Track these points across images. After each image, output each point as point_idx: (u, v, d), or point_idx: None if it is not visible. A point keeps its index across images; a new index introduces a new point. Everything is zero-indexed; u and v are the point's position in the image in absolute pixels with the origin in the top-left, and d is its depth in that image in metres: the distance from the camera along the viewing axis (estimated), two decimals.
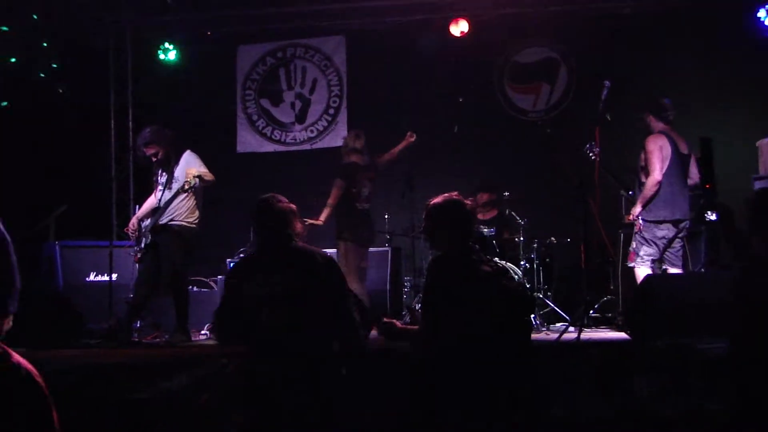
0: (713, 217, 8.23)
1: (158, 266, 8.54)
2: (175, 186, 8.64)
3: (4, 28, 10.69)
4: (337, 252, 9.36)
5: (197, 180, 8.41)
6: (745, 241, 8.28)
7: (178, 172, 8.72)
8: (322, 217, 9.34)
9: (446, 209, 5.34)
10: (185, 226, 8.68)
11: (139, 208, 9.20)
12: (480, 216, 11.25)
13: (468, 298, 4.98)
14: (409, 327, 5.71)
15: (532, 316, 9.74)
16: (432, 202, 5.36)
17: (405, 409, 5.08)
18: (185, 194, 8.59)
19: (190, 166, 8.65)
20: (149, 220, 8.72)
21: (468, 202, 5.39)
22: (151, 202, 8.90)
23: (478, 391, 4.82)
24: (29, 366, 2.77)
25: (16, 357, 2.76)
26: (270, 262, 5.63)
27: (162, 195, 8.66)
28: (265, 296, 5.44)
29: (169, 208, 8.60)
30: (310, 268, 5.56)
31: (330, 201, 9.28)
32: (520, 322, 5.24)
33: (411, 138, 9.63)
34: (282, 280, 5.47)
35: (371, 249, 9.99)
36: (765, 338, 4.70)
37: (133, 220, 8.95)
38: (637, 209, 8.45)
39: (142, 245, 8.64)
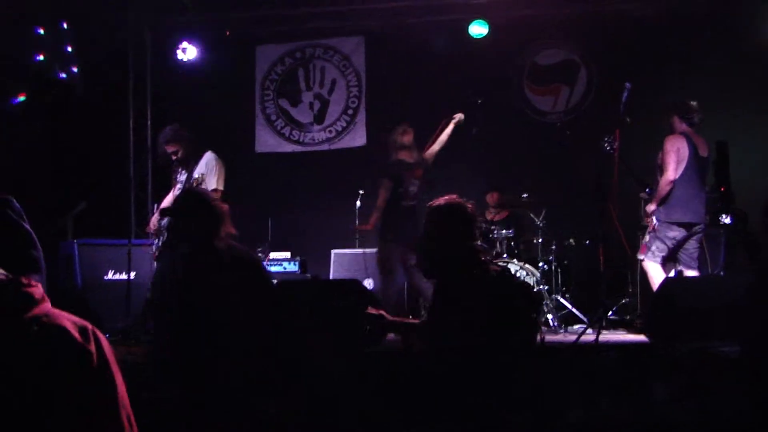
0: (727, 220, 8.23)
1: None
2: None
3: (41, 32, 10.72)
4: (377, 251, 9.38)
5: (202, 182, 8.47)
6: (759, 244, 8.25)
7: (198, 171, 8.75)
8: (372, 221, 9.32)
9: (448, 212, 5.32)
10: None
11: (158, 207, 9.22)
12: (490, 217, 11.26)
13: (474, 299, 4.97)
14: (398, 319, 5.70)
15: (550, 317, 9.73)
16: (433, 204, 5.34)
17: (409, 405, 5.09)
18: None
19: (205, 169, 8.71)
20: (168, 218, 8.73)
21: (469, 205, 5.34)
22: (169, 200, 8.94)
23: (479, 388, 4.80)
24: (70, 323, 2.28)
25: (49, 310, 2.28)
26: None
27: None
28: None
29: None
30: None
31: (378, 203, 9.16)
32: (525, 321, 5.25)
33: (456, 118, 9.47)
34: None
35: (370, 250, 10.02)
36: None
37: (153, 219, 8.99)
38: (652, 207, 8.49)
39: (160, 243, 8.69)
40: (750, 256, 9.00)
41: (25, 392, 2.15)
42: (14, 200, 4.29)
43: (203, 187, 8.42)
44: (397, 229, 9.03)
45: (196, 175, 8.71)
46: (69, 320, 2.26)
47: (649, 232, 8.55)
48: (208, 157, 8.80)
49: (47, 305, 2.24)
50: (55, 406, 2.18)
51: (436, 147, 9.38)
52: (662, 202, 8.41)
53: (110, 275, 10.06)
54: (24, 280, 2.22)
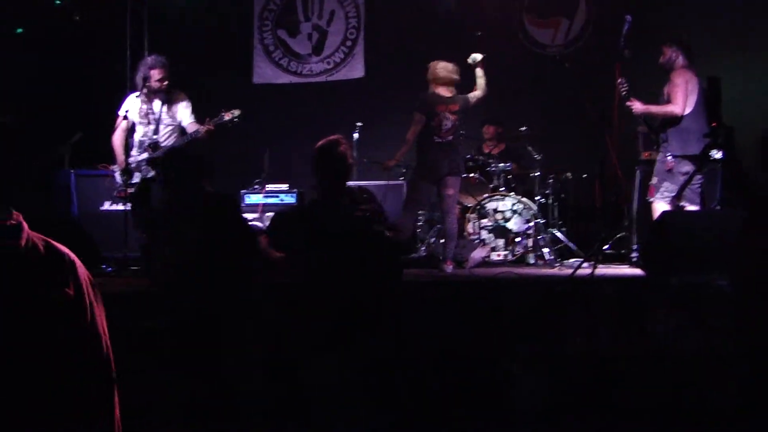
0: (719, 155, 8.19)
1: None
2: (168, 121, 8.73)
3: None
4: (408, 185, 9.57)
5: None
6: (752, 180, 8.26)
7: (180, 111, 8.74)
8: (398, 155, 9.23)
9: (322, 152, 5.64)
10: None
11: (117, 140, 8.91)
12: (487, 150, 11.26)
13: (336, 241, 5.31)
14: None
15: (546, 251, 9.77)
16: (316, 146, 5.67)
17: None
18: (181, 136, 8.74)
19: (189, 112, 8.77)
20: (142, 153, 8.68)
21: (344, 143, 5.74)
22: (146, 132, 8.76)
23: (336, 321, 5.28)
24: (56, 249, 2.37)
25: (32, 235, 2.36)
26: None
27: (158, 128, 8.70)
28: None
29: (169, 142, 8.64)
30: None
31: (408, 136, 8.98)
32: (387, 264, 5.57)
33: (480, 59, 9.15)
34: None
35: (388, 182, 10.02)
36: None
37: (121, 159, 8.77)
38: (640, 106, 8.40)
39: (136, 180, 8.62)
40: (743, 193, 9.00)
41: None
42: None
43: (206, 128, 8.43)
44: (429, 166, 8.96)
45: (176, 113, 8.74)
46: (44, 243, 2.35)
47: (657, 172, 8.49)
48: (185, 97, 8.82)
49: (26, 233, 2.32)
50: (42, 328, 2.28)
51: (478, 92, 9.10)
52: (676, 136, 8.35)
53: (107, 206, 10.05)
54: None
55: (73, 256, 2.37)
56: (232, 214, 6.35)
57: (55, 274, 2.29)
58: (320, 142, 5.86)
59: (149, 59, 8.84)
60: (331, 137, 5.93)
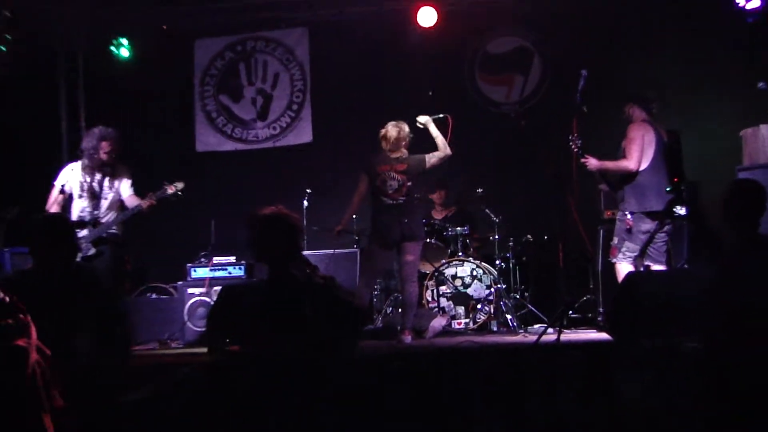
0: (682, 211, 8.22)
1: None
2: (111, 196, 8.68)
3: None
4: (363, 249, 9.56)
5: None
6: (718, 237, 8.32)
7: (123, 185, 8.71)
8: (345, 218, 9.29)
9: (273, 221, 5.64)
10: (120, 236, 8.71)
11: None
12: (438, 216, 11.29)
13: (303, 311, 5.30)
14: None
15: (509, 317, 9.76)
16: (256, 213, 5.64)
17: None
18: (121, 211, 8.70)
19: (129, 185, 8.75)
20: (87, 231, 8.58)
21: (295, 214, 5.78)
22: (84, 206, 8.68)
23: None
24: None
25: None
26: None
27: (99, 203, 8.64)
28: None
29: (109, 218, 8.59)
30: None
31: (353, 199, 9.09)
32: (348, 332, 5.61)
33: (424, 120, 9.13)
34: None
35: (339, 251, 10.00)
36: (738, 340, 4.72)
37: None
38: (595, 162, 8.42)
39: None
40: (710, 250, 9.04)
41: None
42: None
43: (148, 202, 8.41)
44: (381, 228, 8.93)
45: (118, 187, 8.70)
46: None
47: (617, 232, 8.50)
48: (128, 171, 8.81)
49: None
50: None
51: (437, 153, 9.01)
52: (633, 192, 8.35)
53: None
54: None
55: None
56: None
57: None
58: (264, 211, 5.82)
59: (99, 130, 8.70)
60: (272, 207, 5.91)
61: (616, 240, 8.44)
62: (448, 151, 9.00)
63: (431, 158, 8.98)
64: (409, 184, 8.89)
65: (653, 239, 8.27)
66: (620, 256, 8.32)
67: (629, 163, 8.23)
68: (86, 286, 5.68)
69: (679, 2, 11.26)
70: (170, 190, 8.51)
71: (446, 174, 10.96)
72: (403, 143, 8.95)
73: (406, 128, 8.97)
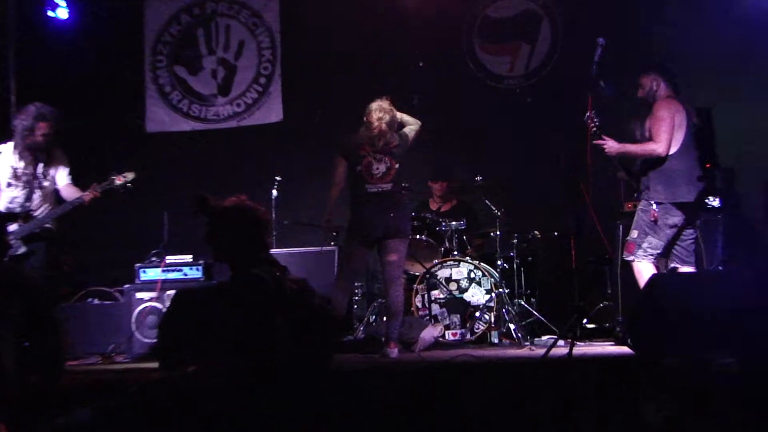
0: (716, 203, 8.20)
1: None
2: (45, 184, 8.65)
3: None
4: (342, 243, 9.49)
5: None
6: (758, 233, 8.29)
7: (59, 173, 8.67)
8: (329, 205, 9.12)
9: (235, 215, 5.64)
10: (55, 232, 8.70)
11: None
12: (434, 206, 11.27)
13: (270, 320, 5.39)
14: None
15: (512, 327, 9.74)
16: (217, 205, 5.64)
17: None
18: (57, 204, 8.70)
19: (66, 173, 8.73)
20: (17, 226, 8.48)
21: (261, 207, 5.79)
22: (5, 197, 8.65)
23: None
24: None
25: None
26: None
27: (31, 193, 8.60)
28: None
29: (43, 211, 8.55)
30: None
31: (331, 191, 9.03)
32: (323, 345, 5.77)
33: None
34: None
35: (313, 249, 9.99)
36: None
37: None
38: (615, 145, 8.30)
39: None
40: (749, 248, 9.03)
41: None
42: None
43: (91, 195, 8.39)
44: (362, 222, 8.88)
45: (53, 174, 8.64)
46: None
47: (637, 225, 8.41)
48: (64, 157, 8.76)
49: None
50: None
51: (411, 126, 9.08)
52: (660, 180, 8.26)
53: None
54: None
55: None
56: None
57: None
58: (225, 203, 5.80)
59: (36, 107, 8.62)
60: (233, 198, 5.90)
61: (635, 234, 8.29)
62: (419, 121, 9.09)
63: (410, 133, 9.00)
64: (397, 166, 8.85)
65: (680, 235, 8.23)
66: (639, 252, 8.21)
67: (657, 146, 8.12)
68: (11, 289, 5.67)
69: None
70: (118, 181, 8.49)
71: (444, 157, 10.97)
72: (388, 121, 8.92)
73: (387, 104, 8.93)
